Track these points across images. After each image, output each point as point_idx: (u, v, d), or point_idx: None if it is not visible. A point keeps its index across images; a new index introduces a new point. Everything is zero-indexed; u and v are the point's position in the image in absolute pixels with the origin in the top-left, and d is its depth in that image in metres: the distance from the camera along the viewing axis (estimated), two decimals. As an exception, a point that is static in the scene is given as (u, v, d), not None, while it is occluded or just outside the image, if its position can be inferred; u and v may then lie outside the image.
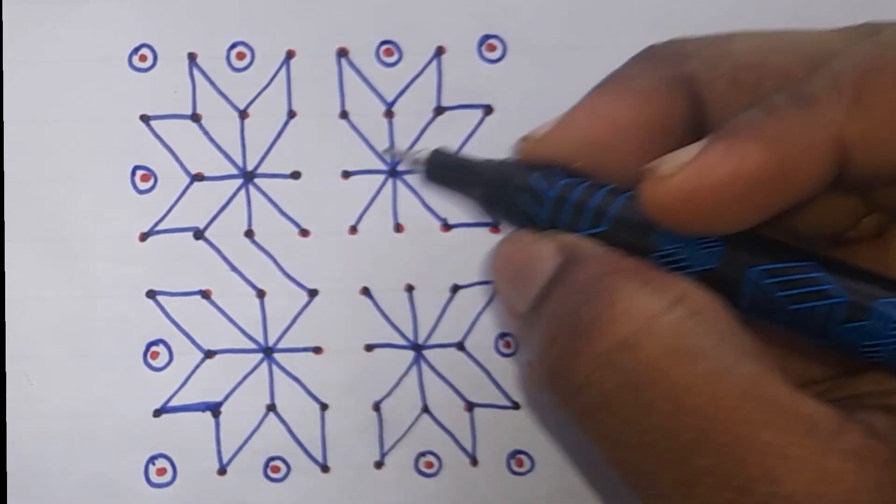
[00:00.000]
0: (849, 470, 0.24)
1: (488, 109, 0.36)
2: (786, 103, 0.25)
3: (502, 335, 0.36)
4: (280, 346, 0.36)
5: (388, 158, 0.36)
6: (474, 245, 0.36)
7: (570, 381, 0.25)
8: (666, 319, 0.25)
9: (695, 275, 0.26)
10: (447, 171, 0.30)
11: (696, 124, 0.28)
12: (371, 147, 0.36)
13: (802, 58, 0.27)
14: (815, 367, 0.28)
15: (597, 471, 0.35)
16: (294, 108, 0.36)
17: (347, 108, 0.36)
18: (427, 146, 0.36)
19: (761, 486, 0.24)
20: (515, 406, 0.36)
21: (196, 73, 0.36)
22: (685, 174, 0.25)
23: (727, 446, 0.24)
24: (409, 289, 0.36)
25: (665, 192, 0.25)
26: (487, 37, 0.36)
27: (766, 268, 0.26)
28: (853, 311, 0.25)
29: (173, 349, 0.36)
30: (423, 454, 0.36)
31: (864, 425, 0.24)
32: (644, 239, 0.26)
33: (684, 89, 0.28)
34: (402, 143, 0.36)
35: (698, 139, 0.26)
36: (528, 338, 0.27)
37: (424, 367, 0.36)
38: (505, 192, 0.29)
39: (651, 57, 0.29)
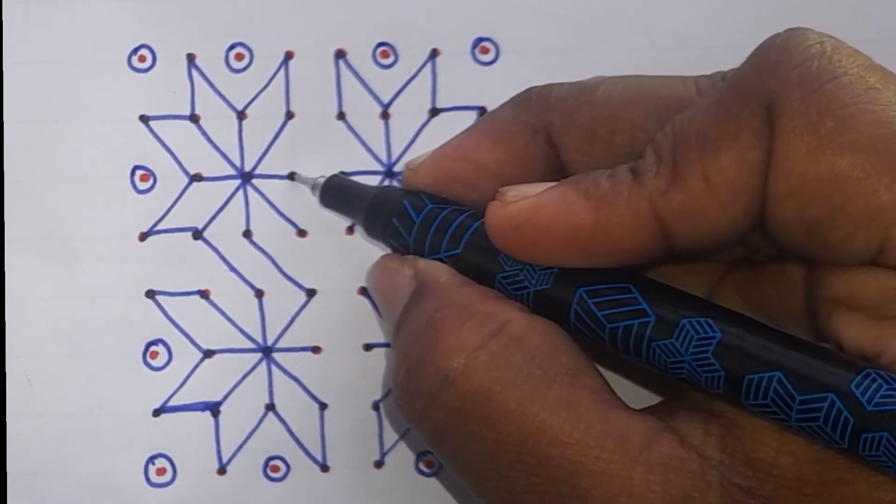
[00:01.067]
0: (654, 481, 0.25)
1: (482, 111, 0.36)
2: (624, 173, 0.27)
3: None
4: (279, 345, 0.36)
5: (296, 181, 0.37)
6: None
7: (410, 412, 0.28)
8: (483, 352, 0.27)
9: (531, 295, 0.29)
10: (338, 195, 0.35)
11: (558, 169, 0.31)
12: (368, 148, 0.36)
13: (654, 111, 0.29)
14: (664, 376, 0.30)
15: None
16: (292, 108, 0.36)
17: (345, 109, 0.36)
18: (425, 148, 0.36)
19: (571, 502, 0.26)
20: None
21: (195, 73, 0.36)
22: (521, 205, 0.28)
23: (540, 466, 0.26)
24: (408, 289, 0.36)
25: (502, 216, 0.28)
26: (481, 39, 0.37)
27: (590, 289, 0.28)
28: (660, 329, 0.27)
29: (172, 349, 0.36)
30: (423, 454, 0.36)
31: (678, 435, 0.26)
32: (491, 261, 0.29)
33: (543, 137, 0.31)
34: (398, 145, 0.36)
35: None
36: (392, 358, 0.31)
37: (423, 366, 0.36)
38: (381, 214, 0.32)
39: (522, 102, 0.32)
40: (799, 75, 0.25)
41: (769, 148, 0.25)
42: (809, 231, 0.25)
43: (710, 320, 0.26)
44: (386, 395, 0.36)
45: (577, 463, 0.26)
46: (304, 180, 0.36)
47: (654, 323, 0.27)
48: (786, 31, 0.27)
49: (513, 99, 0.32)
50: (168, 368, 0.36)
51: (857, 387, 0.24)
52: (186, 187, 0.36)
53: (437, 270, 0.30)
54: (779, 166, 0.25)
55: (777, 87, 0.25)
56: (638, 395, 0.31)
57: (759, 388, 0.25)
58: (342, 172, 0.36)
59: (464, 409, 0.27)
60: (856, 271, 0.25)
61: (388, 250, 0.33)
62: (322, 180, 0.35)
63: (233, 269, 0.36)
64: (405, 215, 0.31)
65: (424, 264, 0.30)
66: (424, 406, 0.27)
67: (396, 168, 0.36)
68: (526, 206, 0.28)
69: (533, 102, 0.31)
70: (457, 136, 0.33)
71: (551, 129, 0.30)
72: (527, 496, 0.26)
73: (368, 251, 0.36)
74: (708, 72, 0.35)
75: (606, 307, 0.27)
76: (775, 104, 0.25)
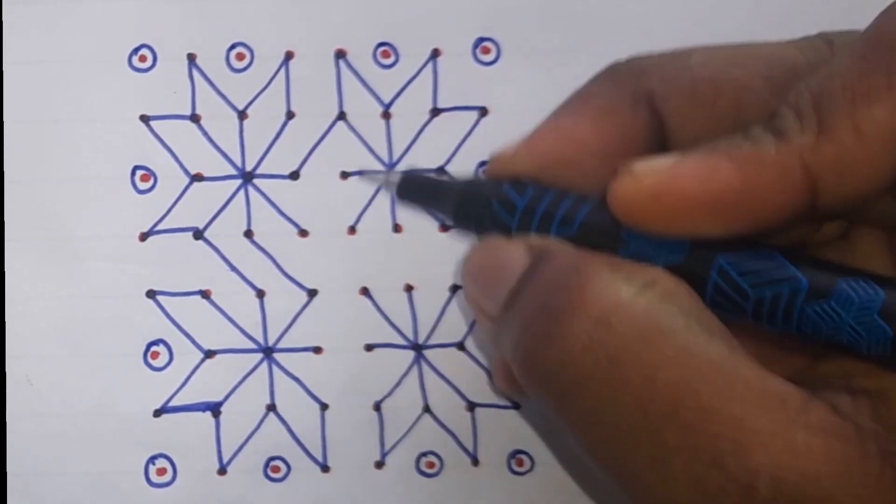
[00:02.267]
0: (816, 444, 0.24)
1: (483, 111, 0.36)
2: (762, 132, 0.26)
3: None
4: (280, 345, 0.36)
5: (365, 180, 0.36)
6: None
7: (545, 366, 0.26)
8: (637, 301, 0.25)
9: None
10: (419, 189, 0.32)
11: (658, 141, 0.29)
12: (369, 148, 0.36)
13: (758, 71, 0.28)
14: (780, 356, 0.29)
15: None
16: (293, 108, 0.36)
17: (345, 109, 0.36)
18: (426, 148, 0.36)
19: (730, 459, 0.24)
20: (516, 406, 0.36)
21: (195, 73, 0.36)
22: (658, 177, 0.26)
23: (697, 421, 0.24)
24: (409, 289, 0.36)
25: (636, 190, 0.26)
26: (482, 39, 0.37)
27: (731, 259, 0.26)
28: (815, 293, 0.26)
29: (173, 349, 0.36)
30: (424, 454, 0.36)
31: (829, 403, 0.25)
32: (610, 240, 0.27)
33: (644, 106, 0.29)
34: (399, 145, 0.36)
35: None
36: (501, 339, 0.28)
37: (425, 366, 0.36)
38: (477, 203, 0.30)
39: (612, 75, 0.30)
40: None
41: None
42: None
43: (868, 280, 0.25)
44: (386, 396, 0.36)
45: (740, 420, 0.24)
46: (372, 177, 0.35)
47: (807, 287, 0.26)
48: None
49: (600, 74, 0.30)
50: (169, 369, 0.36)
51: None
52: (187, 187, 0.36)
53: (557, 244, 0.28)
54: None
55: None
56: None
57: None
58: (344, 173, 0.36)
59: (618, 355, 0.25)
60: None
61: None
62: (398, 175, 0.32)
63: (234, 269, 0.36)
64: (506, 200, 0.29)
65: (541, 240, 0.28)
66: (568, 353, 0.26)
67: (399, 168, 0.36)
68: (664, 178, 0.26)
69: (624, 72, 0.30)
70: (548, 119, 0.31)
71: (652, 96, 0.29)
72: (679, 454, 0.25)
73: (370, 251, 0.36)
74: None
75: (750, 275, 0.26)
76: None
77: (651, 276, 0.26)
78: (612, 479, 0.26)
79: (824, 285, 0.26)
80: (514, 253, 0.28)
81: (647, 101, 0.29)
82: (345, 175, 0.36)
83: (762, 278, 0.26)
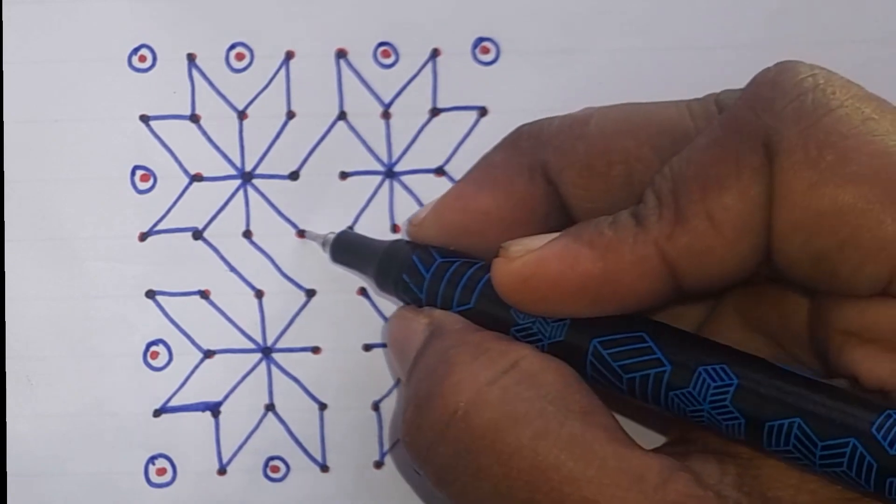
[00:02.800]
0: None
1: (483, 111, 0.36)
2: (627, 217, 0.27)
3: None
4: (279, 346, 0.36)
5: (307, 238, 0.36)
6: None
7: (417, 448, 0.28)
8: (495, 387, 0.27)
9: (546, 346, 0.28)
10: (348, 251, 0.35)
11: (558, 208, 0.30)
12: (369, 148, 0.36)
13: (648, 139, 0.29)
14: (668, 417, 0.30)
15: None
16: (293, 108, 0.36)
17: (346, 108, 0.36)
18: (425, 148, 0.36)
19: None
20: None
21: (195, 73, 0.36)
22: (526, 260, 0.28)
23: None
24: (407, 289, 0.36)
25: (509, 272, 0.28)
26: (481, 39, 0.36)
27: (603, 339, 0.28)
28: (677, 378, 0.27)
29: (173, 349, 0.36)
30: (421, 453, 0.36)
31: (694, 474, 0.26)
32: (504, 313, 0.29)
33: (541, 177, 0.31)
34: (399, 145, 0.36)
35: (565, 222, 0.29)
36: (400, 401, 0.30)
37: (423, 366, 0.36)
38: (392, 270, 0.32)
39: (513, 144, 0.32)
40: (794, 110, 0.25)
41: (770, 184, 0.25)
42: (817, 263, 0.25)
43: (725, 366, 0.26)
44: (385, 396, 0.36)
45: (592, 501, 0.25)
46: (314, 237, 0.36)
47: (670, 372, 0.27)
48: (776, 65, 0.27)
49: (504, 140, 0.32)
50: (168, 369, 0.36)
51: (879, 430, 0.24)
52: (187, 187, 0.36)
53: (452, 318, 0.30)
54: (782, 201, 0.25)
55: (773, 123, 0.25)
56: (649, 438, 0.31)
57: (781, 434, 0.25)
58: (343, 173, 0.36)
59: (473, 445, 0.26)
60: (868, 303, 0.25)
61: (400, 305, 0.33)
62: (332, 237, 0.35)
63: (233, 269, 0.36)
64: (415, 271, 0.31)
65: (440, 313, 0.30)
66: (432, 442, 0.27)
67: (397, 168, 0.36)
68: (531, 261, 0.28)
69: (524, 142, 0.31)
70: (454, 186, 0.33)
71: (547, 168, 0.30)
72: None
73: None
74: (708, 73, 0.35)
75: (621, 357, 0.27)
76: (773, 140, 0.25)
77: (515, 357, 0.27)
78: None
79: (685, 372, 0.26)
80: (417, 325, 0.30)
81: (543, 173, 0.30)
82: (344, 175, 0.36)
83: (631, 361, 0.27)
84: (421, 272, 0.31)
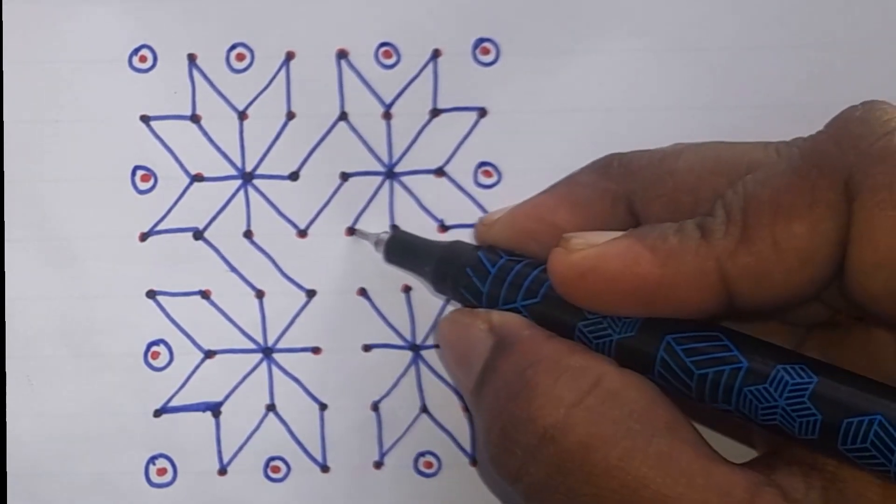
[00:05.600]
0: None
1: (483, 112, 0.36)
2: (693, 228, 0.27)
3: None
4: (279, 346, 0.36)
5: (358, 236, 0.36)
6: (471, 246, 0.36)
7: (508, 470, 0.28)
8: (580, 409, 0.27)
9: (613, 343, 0.29)
10: (403, 250, 0.35)
11: None
12: (369, 148, 0.36)
13: (737, 179, 0.29)
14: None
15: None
16: (293, 109, 0.36)
17: (346, 109, 0.36)
18: (425, 149, 0.36)
19: None
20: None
21: (196, 73, 0.36)
22: (586, 254, 0.28)
23: None
24: (407, 289, 0.36)
25: (568, 263, 0.28)
26: (481, 40, 0.36)
27: (678, 336, 0.28)
28: (754, 375, 0.27)
29: (173, 349, 0.36)
30: (422, 454, 0.36)
31: (780, 489, 0.26)
32: (573, 309, 0.29)
33: (624, 206, 0.31)
34: (400, 145, 0.36)
35: None
36: (476, 415, 0.30)
37: (423, 367, 0.36)
38: (453, 267, 0.32)
39: (603, 169, 0.32)
40: (881, 149, 0.25)
41: (846, 221, 0.25)
42: None
43: (804, 366, 0.26)
44: (384, 396, 0.36)
45: None
46: (365, 236, 0.36)
47: (746, 369, 0.27)
48: (863, 103, 0.27)
49: (594, 164, 0.32)
50: (169, 369, 0.36)
51: None
52: (187, 187, 0.36)
53: (515, 323, 0.30)
54: (863, 239, 0.25)
55: (858, 161, 0.25)
56: (736, 451, 0.31)
57: (859, 432, 0.25)
58: (344, 173, 0.36)
59: (564, 466, 0.27)
60: None
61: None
62: (385, 236, 0.35)
63: (233, 269, 0.36)
64: (480, 267, 0.32)
65: (499, 317, 0.30)
66: (523, 463, 0.27)
67: (397, 169, 0.36)
68: (591, 255, 0.28)
69: (614, 170, 0.31)
70: (535, 196, 0.33)
71: (633, 199, 0.31)
72: None
73: (368, 252, 0.36)
74: (705, 73, 0.36)
75: (695, 354, 0.27)
76: (855, 177, 0.25)
77: (596, 374, 0.28)
78: None
79: (763, 369, 0.27)
80: (477, 332, 0.30)
81: (627, 203, 0.31)
82: (345, 176, 0.36)
83: (706, 357, 0.27)
84: (486, 267, 0.31)
